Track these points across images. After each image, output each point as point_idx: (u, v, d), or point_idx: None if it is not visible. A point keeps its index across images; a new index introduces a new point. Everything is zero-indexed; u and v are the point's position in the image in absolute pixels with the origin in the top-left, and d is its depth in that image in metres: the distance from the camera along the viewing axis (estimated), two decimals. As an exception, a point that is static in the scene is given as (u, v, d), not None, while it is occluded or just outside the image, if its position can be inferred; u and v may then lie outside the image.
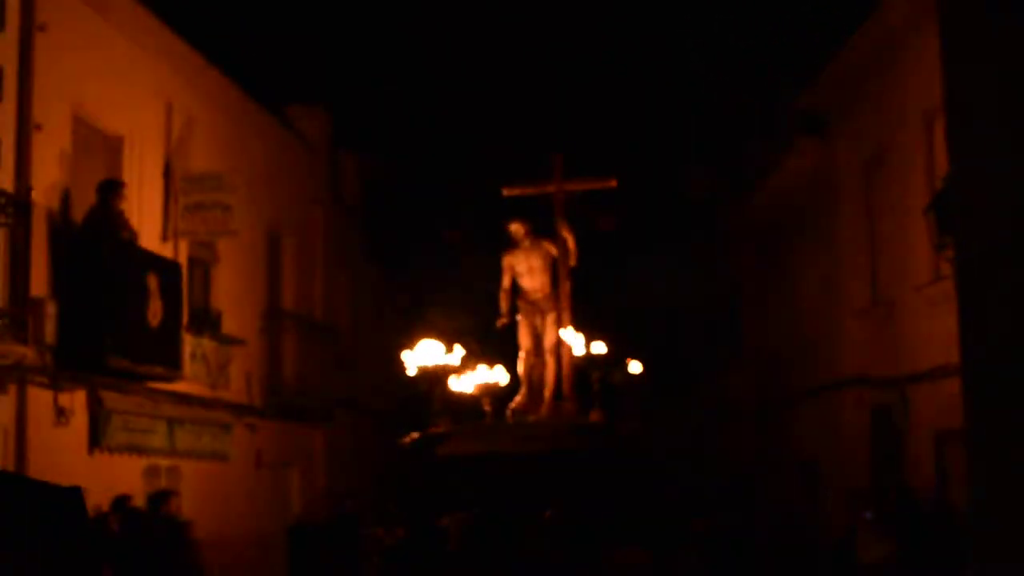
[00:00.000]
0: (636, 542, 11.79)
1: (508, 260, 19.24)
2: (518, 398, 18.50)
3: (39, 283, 14.83)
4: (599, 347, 18.16)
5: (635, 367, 18.46)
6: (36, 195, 14.66)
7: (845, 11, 20.91)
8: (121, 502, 14.67)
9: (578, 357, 18.14)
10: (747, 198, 28.87)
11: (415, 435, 17.83)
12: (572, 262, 18.88)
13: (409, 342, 18.63)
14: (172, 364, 17.52)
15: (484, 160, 26.65)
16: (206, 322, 20.36)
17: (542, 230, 19.20)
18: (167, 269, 17.48)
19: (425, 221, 31.94)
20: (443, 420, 17.87)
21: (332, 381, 25.44)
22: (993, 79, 6.15)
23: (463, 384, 18.79)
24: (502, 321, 18.89)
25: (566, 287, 18.74)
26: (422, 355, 18.06)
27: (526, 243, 19.10)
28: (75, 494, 5.29)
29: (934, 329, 16.79)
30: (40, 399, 15.12)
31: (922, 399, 17.94)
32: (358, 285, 29.59)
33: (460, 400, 19.25)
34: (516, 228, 19.09)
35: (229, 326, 21.13)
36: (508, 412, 18.48)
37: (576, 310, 18.86)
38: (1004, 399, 5.87)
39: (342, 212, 28.48)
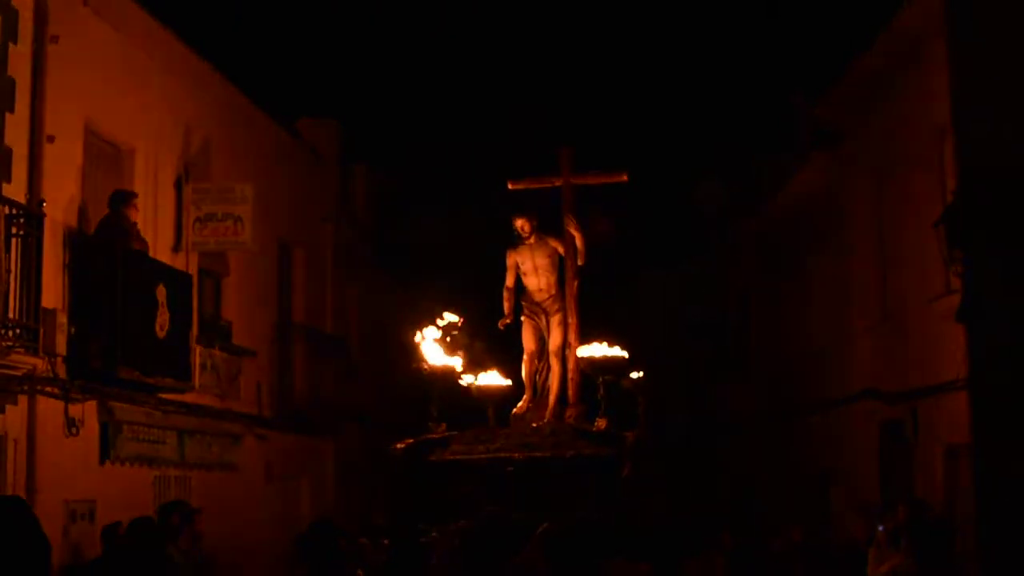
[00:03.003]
0: (638, 555, 11.53)
1: (512, 257, 18.15)
2: (521, 403, 17.93)
3: (50, 294, 14.85)
4: (607, 350, 17.44)
5: (635, 374, 17.60)
6: (48, 206, 14.68)
7: (858, 25, 20.95)
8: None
9: (585, 359, 17.43)
10: (759, 209, 28.88)
11: (408, 441, 17.23)
12: (580, 261, 17.91)
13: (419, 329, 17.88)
14: (182, 375, 17.55)
15: (496, 158, 26.36)
16: (216, 333, 20.40)
17: (549, 226, 18.37)
18: (178, 280, 17.51)
19: (436, 230, 31.90)
20: (440, 425, 17.29)
21: (342, 393, 25.46)
22: (1000, 95, 6.17)
23: (470, 386, 18.07)
24: (504, 322, 18.17)
25: (573, 287, 17.91)
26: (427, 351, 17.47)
27: (531, 240, 18.26)
28: (18, 504, 5.29)
29: (944, 343, 16.79)
30: (51, 410, 15.13)
31: (932, 413, 17.93)
32: (368, 297, 29.61)
33: (462, 405, 18.63)
34: (521, 223, 18.19)
35: (239, 337, 21.17)
36: (511, 417, 17.88)
37: (587, 313, 18.19)
38: (1011, 413, 5.88)
39: (353, 224, 28.50)
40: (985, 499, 5.45)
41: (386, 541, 12.47)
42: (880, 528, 15.53)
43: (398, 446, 17.07)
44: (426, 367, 17.05)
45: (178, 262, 18.35)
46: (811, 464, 25.24)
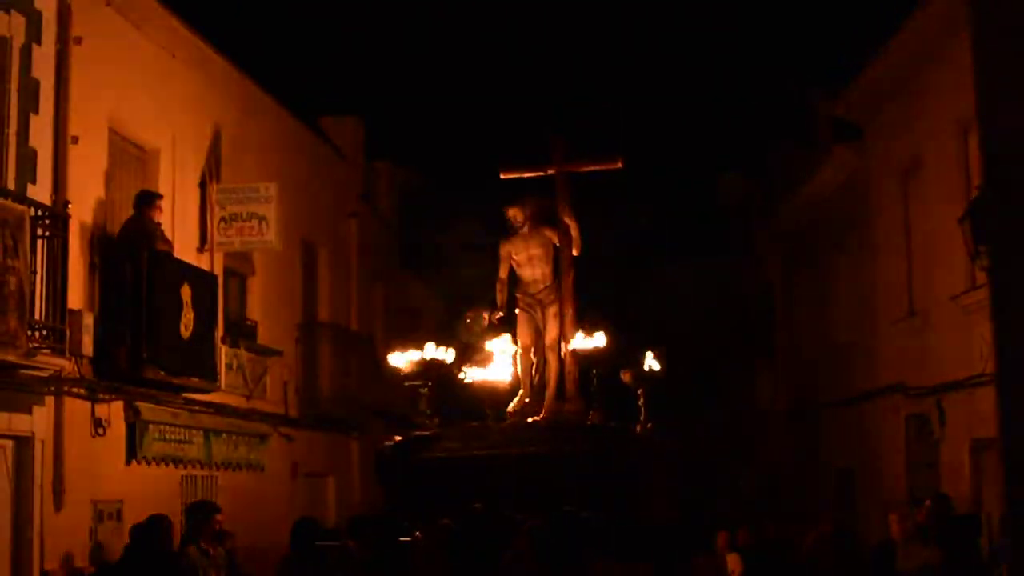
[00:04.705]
0: (636, 555, 11.33)
1: (506, 248, 17.69)
2: (517, 399, 17.50)
3: (76, 295, 14.89)
4: (598, 341, 16.95)
5: (654, 364, 17.00)
6: (73, 207, 14.72)
7: (880, 19, 20.86)
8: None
9: (581, 352, 16.93)
10: (781, 204, 28.81)
11: (397, 438, 16.86)
12: (575, 251, 17.41)
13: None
14: (208, 375, 17.59)
15: (518, 152, 26.27)
16: (242, 333, 20.44)
17: (544, 216, 17.77)
18: (203, 280, 17.55)
19: (460, 228, 31.83)
20: (431, 422, 16.94)
21: (368, 391, 25.47)
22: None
23: (468, 380, 17.71)
24: (497, 315, 17.71)
25: (569, 278, 17.45)
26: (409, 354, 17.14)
27: (525, 229, 17.56)
28: None
29: (970, 338, 16.73)
30: (78, 410, 15.19)
31: (957, 408, 17.87)
32: (393, 295, 29.63)
33: (457, 400, 18.27)
34: (514, 213, 17.56)
35: (265, 337, 21.20)
36: (507, 413, 17.42)
37: (588, 304, 17.68)
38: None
39: (377, 222, 28.52)
40: (1012, 494, 5.41)
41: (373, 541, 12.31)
42: (908, 524, 15.49)
43: (386, 443, 16.76)
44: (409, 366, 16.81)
45: (203, 262, 18.40)
46: (836, 459, 25.17)
